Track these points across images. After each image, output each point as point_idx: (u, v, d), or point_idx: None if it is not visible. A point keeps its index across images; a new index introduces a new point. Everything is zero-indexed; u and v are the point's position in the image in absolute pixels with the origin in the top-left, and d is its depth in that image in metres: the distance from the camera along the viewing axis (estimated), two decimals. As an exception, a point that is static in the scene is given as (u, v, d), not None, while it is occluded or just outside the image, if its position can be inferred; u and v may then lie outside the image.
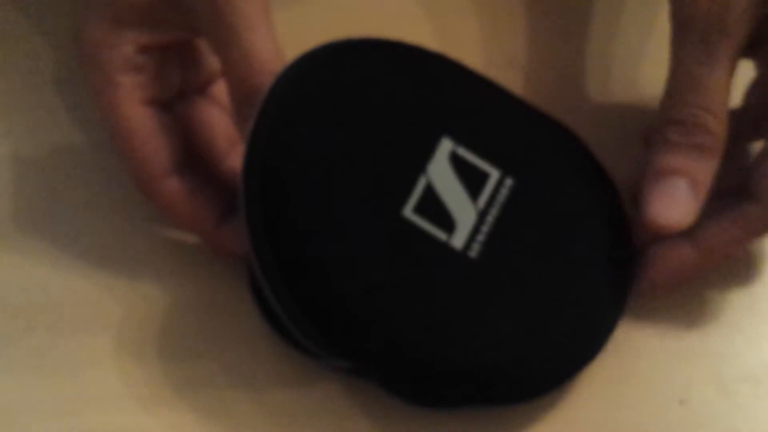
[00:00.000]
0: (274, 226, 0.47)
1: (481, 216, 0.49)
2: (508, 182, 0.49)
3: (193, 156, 0.52)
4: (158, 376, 0.51)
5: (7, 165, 0.55)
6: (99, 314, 0.52)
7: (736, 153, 0.52)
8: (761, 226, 0.50)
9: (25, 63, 0.57)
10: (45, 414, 0.50)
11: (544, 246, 0.49)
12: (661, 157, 0.49)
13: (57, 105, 0.56)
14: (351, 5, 0.59)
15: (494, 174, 0.49)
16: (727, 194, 0.50)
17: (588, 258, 0.50)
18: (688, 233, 0.50)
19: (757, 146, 0.52)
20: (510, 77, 0.51)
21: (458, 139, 0.49)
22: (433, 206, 0.48)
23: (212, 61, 0.53)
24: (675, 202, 0.49)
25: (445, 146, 0.49)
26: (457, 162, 0.49)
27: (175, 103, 0.52)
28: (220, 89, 0.54)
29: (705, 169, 0.49)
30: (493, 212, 0.49)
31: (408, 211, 0.48)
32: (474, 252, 0.48)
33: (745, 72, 0.52)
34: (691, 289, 0.53)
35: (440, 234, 0.48)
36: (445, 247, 0.48)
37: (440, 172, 0.49)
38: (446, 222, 0.48)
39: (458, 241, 0.48)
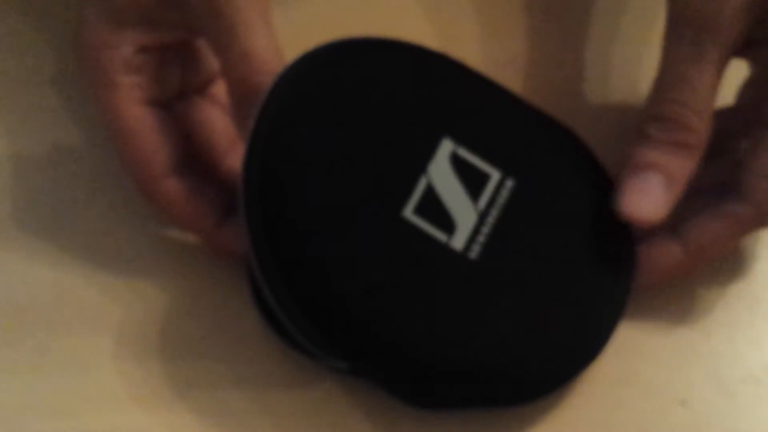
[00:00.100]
0: (273, 226, 0.47)
1: (482, 217, 0.49)
2: (509, 183, 0.49)
3: (193, 156, 0.52)
4: (158, 376, 0.51)
5: (7, 165, 0.55)
6: (98, 314, 0.52)
7: (725, 149, 0.53)
8: (749, 225, 0.50)
9: (25, 63, 0.57)
10: (44, 414, 0.50)
11: (544, 247, 0.49)
12: (640, 150, 0.50)
13: (57, 105, 0.56)
14: (351, 5, 0.59)
15: (495, 175, 0.49)
16: (715, 190, 0.51)
17: (588, 258, 0.50)
18: (677, 231, 0.50)
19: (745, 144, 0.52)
20: (510, 77, 0.51)
21: (459, 140, 0.49)
22: (434, 207, 0.48)
23: (212, 61, 0.53)
24: (648, 197, 0.49)
25: (446, 147, 0.49)
26: (457, 163, 0.49)
27: (174, 103, 0.52)
28: (220, 89, 0.54)
29: (682, 167, 0.49)
30: (494, 213, 0.49)
31: (408, 212, 0.48)
32: (474, 253, 0.48)
33: (741, 72, 0.53)
34: (691, 290, 0.53)
35: (440, 235, 0.48)
36: (445, 248, 0.48)
37: (441, 173, 0.48)
38: (446, 223, 0.48)
39: (458, 242, 0.48)
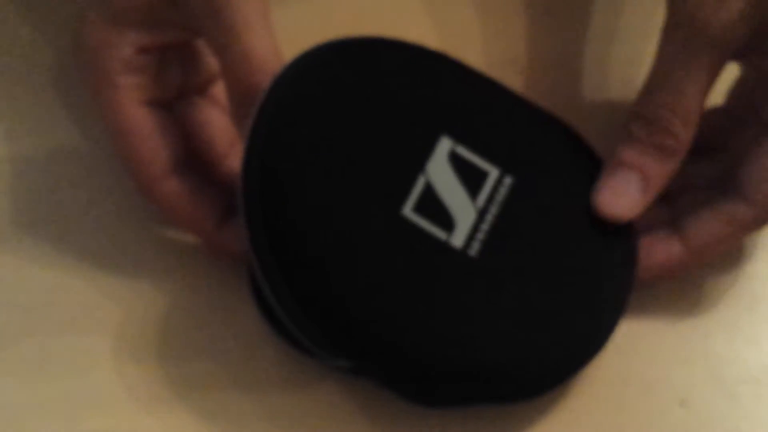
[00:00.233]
0: (273, 226, 0.47)
1: (481, 214, 0.49)
2: (507, 180, 0.49)
3: (193, 156, 0.52)
4: (158, 378, 0.51)
5: (7, 165, 0.55)
6: (98, 315, 0.52)
7: (718, 146, 0.53)
8: (750, 226, 0.51)
9: (25, 63, 0.57)
10: (43, 416, 0.50)
11: (543, 244, 0.49)
12: (621, 148, 0.50)
13: (57, 105, 0.56)
14: (351, 5, 0.59)
15: (493, 172, 0.49)
16: (713, 187, 0.51)
17: (588, 255, 0.50)
18: (677, 227, 0.51)
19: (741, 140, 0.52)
20: (511, 77, 0.52)
21: (457, 138, 0.49)
22: (433, 205, 0.48)
23: (212, 62, 0.54)
24: (623, 195, 0.50)
25: (444, 145, 0.49)
26: (456, 161, 0.49)
27: (174, 103, 0.53)
28: (220, 90, 0.54)
29: (660, 170, 0.50)
30: (493, 210, 0.49)
31: (407, 211, 0.48)
32: (474, 250, 0.48)
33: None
34: (691, 290, 0.53)
35: (440, 233, 0.48)
36: (444, 246, 0.48)
37: (439, 171, 0.49)
38: (446, 221, 0.48)
39: (458, 239, 0.48)
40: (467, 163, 0.49)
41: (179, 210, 0.51)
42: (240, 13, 0.48)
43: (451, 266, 0.48)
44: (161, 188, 0.51)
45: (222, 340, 0.52)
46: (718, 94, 0.52)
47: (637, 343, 0.52)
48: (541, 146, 0.51)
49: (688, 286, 0.53)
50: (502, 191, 0.49)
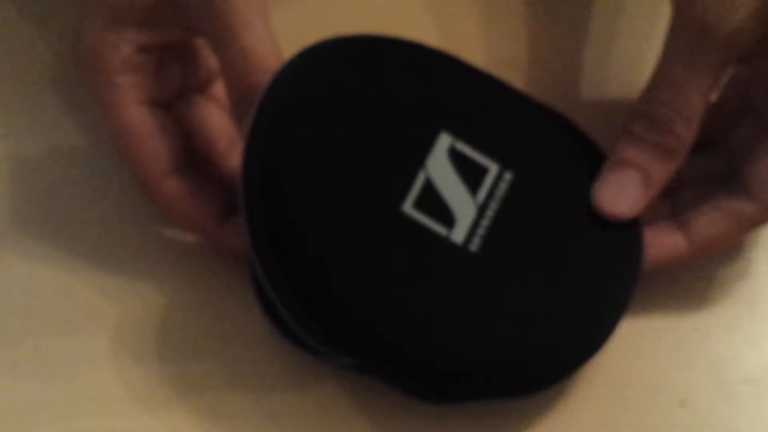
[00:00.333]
0: (273, 226, 0.47)
1: (481, 210, 0.49)
2: (507, 176, 0.49)
3: (193, 156, 0.52)
4: (157, 377, 0.51)
5: (7, 165, 0.55)
6: (97, 315, 0.52)
7: (713, 142, 0.53)
8: (754, 222, 0.51)
9: (25, 63, 0.58)
10: (42, 416, 0.50)
11: (544, 240, 0.49)
12: (622, 146, 0.50)
13: (57, 105, 0.56)
14: (350, 4, 0.59)
15: (493, 168, 0.49)
16: (716, 182, 0.51)
17: (590, 250, 0.50)
18: (680, 220, 0.51)
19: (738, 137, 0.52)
20: (511, 77, 0.51)
21: (457, 134, 0.49)
22: (433, 201, 0.48)
23: (211, 61, 0.54)
24: (623, 194, 0.50)
25: (444, 141, 0.49)
26: (455, 156, 0.49)
27: (174, 102, 0.53)
28: (220, 89, 0.54)
29: (661, 169, 0.50)
30: (493, 206, 0.49)
31: (408, 207, 0.48)
32: (474, 246, 0.48)
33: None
34: (691, 291, 0.53)
35: (440, 229, 0.48)
36: (445, 242, 0.48)
37: (439, 167, 0.48)
38: (446, 216, 0.48)
39: (458, 235, 0.48)
40: (467, 158, 0.49)
41: (180, 209, 0.51)
42: (239, 12, 0.48)
43: (452, 262, 0.48)
44: (162, 187, 0.51)
45: (221, 340, 0.52)
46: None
47: (637, 343, 0.52)
48: (541, 142, 0.51)
49: (688, 287, 0.53)
50: (502, 187, 0.49)
